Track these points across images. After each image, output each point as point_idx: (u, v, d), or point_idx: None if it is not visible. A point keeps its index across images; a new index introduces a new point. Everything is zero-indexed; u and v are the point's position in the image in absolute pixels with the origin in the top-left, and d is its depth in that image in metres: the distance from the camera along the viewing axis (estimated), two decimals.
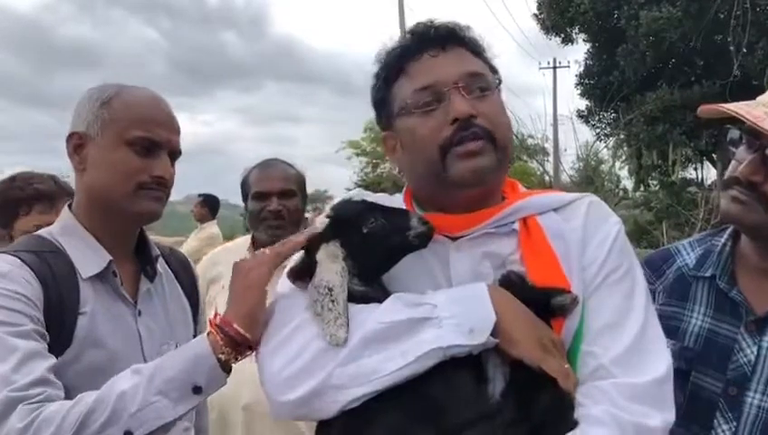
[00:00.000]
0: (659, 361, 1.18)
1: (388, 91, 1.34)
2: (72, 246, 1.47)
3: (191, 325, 1.69)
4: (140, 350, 1.48)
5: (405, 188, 1.44)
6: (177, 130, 1.55)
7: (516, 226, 1.28)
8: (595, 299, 1.21)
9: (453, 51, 1.31)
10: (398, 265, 1.27)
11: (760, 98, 1.40)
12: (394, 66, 1.33)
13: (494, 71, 1.35)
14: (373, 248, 1.22)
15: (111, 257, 1.48)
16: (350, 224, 1.23)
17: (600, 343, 1.18)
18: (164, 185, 1.50)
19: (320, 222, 1.28)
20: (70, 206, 1.55)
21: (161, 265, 1.64)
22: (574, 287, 1.20)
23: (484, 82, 1.29)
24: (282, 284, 1.30)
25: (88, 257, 1.47)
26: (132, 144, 1.46)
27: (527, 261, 1.24)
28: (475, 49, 1.34)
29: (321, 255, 1.21)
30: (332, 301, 1.15)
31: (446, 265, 1.29)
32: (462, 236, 1.29)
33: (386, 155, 1.42)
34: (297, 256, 1.28)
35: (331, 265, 1.19)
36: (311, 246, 1.24)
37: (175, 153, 1.54)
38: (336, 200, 1.37)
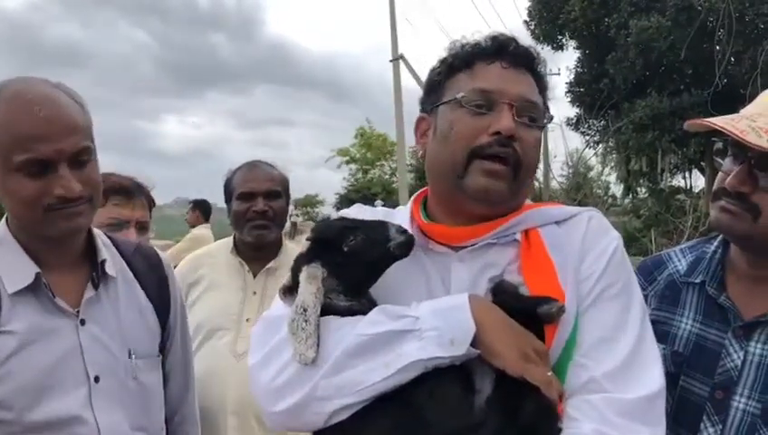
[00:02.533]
0: (652, 377, 1.19)
1: (446, 78, 1.36)
2: (1, 261, 1.41)
3: (154, 328, 1.61)
4: (81, 361, 1.42)
5: (416, 194, 1.47)
6: (69, 132, 1.35)
7: (518, 236, 1.30)
8: (591, 313, 1.23)
9: (523, 74, 1.34)
10: (398, 276, 1.29)
11: (743, 111, 1.43)
12: (464, 59, 1.35)
13: (546, 111, 1.38)
14: (355, 265, 1.24)
15: (39, 270, 1.40)
16: (331, 244, 1.25)
17: (594, 357, 1.19)
18: (73, 200, 1.36)
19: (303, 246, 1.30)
20: (8, 220, 1.47)
21: (117, 269, 1.56)
22: (568, 298, 1.20)
23: (536, 113, 1.32)
24: (275, 300, 1.33)
25: (15, 271, 1.39)
26: (21, 169, 1.32)
27: (525, 271, 1.26)
28: (540, 84, 1.37)
29: (301, 276, 1.23)
30: (305, 321, 1.17)
31: (447, 276, 1.31)
32: (464, 247, 1.31)
33: (415, 137, 1.44)
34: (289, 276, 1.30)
35: (308, 287, 1.21)
36: (296, 267, 1.27)
37: (78, 156, 1.36)
38: (321, 217, 1.40)
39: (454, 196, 1.33)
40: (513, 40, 1.35)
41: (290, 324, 1.19)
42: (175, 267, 2.23)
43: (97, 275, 1.50)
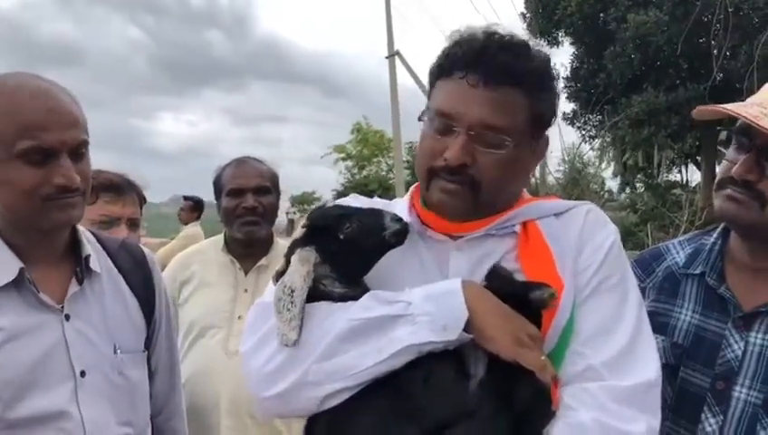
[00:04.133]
0: (648, 366, 1.19)
1: (433, 83, 1.35)
2: None
3: (139, 324, 1.61)
4: (67, 356, 1.41)
5: (416, 184, 1.47)
6: (71, 124, 1.38)
7: (517, 228, 1.31)
8: (588, 305, 1.23)
9: (492, 90, 1.24)
10: (395, 264, 1.29)
11: (751, 99, 1.44)
12: (444, 66, 1.31)
13: (540, 115, 1.30)
14: (352, 252, 1.24)
15: (22, 265, 1.39)
16: (327, 231, 1.25)
17: (591, 346, 1.20)
18: (72, 190, 1.37)
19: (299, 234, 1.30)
20: None
21: (102, 264, 1.55)
22: (566, 286, 1.21)
23: (495, 139, 1.25)
24: (268, 286, 1.33)
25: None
26: (22, 156, 1.32)
27: (523, 259, 1.27)
28: (531, 88, 1.27)
29: (293, 257, 1.24)
30: (292, 302, 1.18)
31: (445, 265, 1.31)
32: (463, 236, 1.32)
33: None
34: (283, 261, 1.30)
35: (299, 268, 1.21)
36: (290, 252, 1.26)
37: (77, 148, 1.39)
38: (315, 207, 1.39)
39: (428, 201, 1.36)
40: (492, 48, 1.26)
41: (276, 303, 1.19)
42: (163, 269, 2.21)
43: (81, 270, 1.49)
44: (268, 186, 2.52)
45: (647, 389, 1.17)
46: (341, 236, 1.24)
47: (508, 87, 1.25)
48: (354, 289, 1.25)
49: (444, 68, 1.31)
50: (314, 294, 1.21)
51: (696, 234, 1.62)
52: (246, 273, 2.50)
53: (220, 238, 2.62)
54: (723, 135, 1.47)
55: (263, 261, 2.49)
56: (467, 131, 1.24)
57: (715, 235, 1.54)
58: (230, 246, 2.56)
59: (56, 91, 1.40)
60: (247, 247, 2.51)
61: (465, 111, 1.24)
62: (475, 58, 1.26)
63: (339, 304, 1.21)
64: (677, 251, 1.59)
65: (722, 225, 1.53)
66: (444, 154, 1.26)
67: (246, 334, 1.27)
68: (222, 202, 2.53)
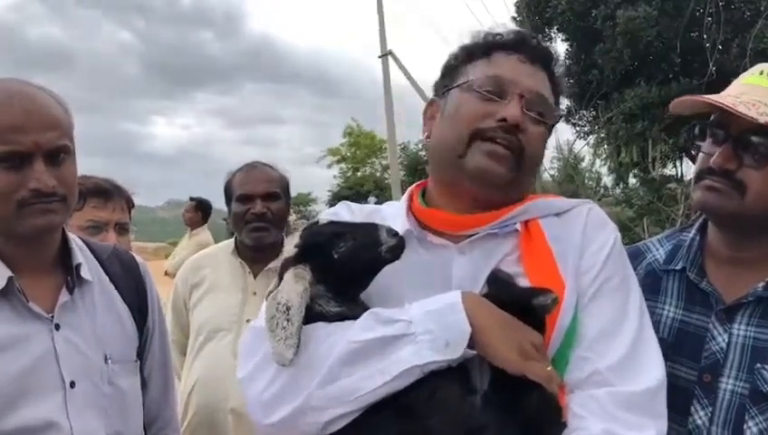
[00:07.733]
0: (654, 369, 1.19)
1: (462, 64, 1.37)
2: None
3: (130, 333, 1.58)
4: (56, 366, 1.38)
5: (414, 185, 1.47)
6: (48, 126, 1.34)
7: (518, 227, 1.30)
8: (591, 307, 1.23)
9: (539, 69, 1.35)
10: (397, 273, 1.25)
11: (725, 93, 1.45)
12: (483, 47, 1.37)
13: (556, 110, 1.38)
14: (346, 271, 1.21)
15: (11, 274, 1.36)
16: (320, 251, 1.21)
17: (596, 350, 1.19)
18: (48, 195, 1.33)
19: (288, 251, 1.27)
20: None
21: (93, 272, 1.53)
22: (569, 288, 1.21)
23: (545, 109, 1.33)
24: (263, 307, 1.29)
25: None
26: None
27: (525, 260, 1.26)
28: (555, 84, 1.38)
29: (287, 275, 1.20)
30: (288, 320, 1.13)
31: (449, 270, 1.29)
32: (464, 236, 1.31)
33: (423, 120, 1.45)
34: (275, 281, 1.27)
35: (294, 286, 1.17)
36: (283, 272, 1.23)
37: (54, 153, 1.35)
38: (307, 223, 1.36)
39: (453, 177, 1.33)
40: (533, 37, 1.38)
41: (269, 321, 1.15)
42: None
43: (72, 279, 1.47)
44: (277, 192, 2.54)
45: (654, 393, 1.17)
46: (336, 256, 1.20)
47: (545, 71, 1.36)
48: (351, 307, 1.21)
49: (476, 51, 1.36)
50: (309, 315, 1.17)
51: (674, 230, 1.64)
52: (256, 276, 2.53)
53: (231, 243, 2.65)
54: (697, 129, 1.49)
55: (272, 265, 2.51)
56: (523, 94, 1.29)
57: (693, 231, 1.56)
58: (240, 250, 2.59)
59: (38, 94, 1.37)
60: (257, 252, 2.55)
61: (521, 78, 1.31)
62: (521, 41, 1.35)
63: (336, 324, 1.17)
64: (657, 248, 1.61)
65: (699, 221, 1.55)
66: (497, 115, 1.27)
67: (243, 360, 1.24)
68: (232, 208, 2.56)
